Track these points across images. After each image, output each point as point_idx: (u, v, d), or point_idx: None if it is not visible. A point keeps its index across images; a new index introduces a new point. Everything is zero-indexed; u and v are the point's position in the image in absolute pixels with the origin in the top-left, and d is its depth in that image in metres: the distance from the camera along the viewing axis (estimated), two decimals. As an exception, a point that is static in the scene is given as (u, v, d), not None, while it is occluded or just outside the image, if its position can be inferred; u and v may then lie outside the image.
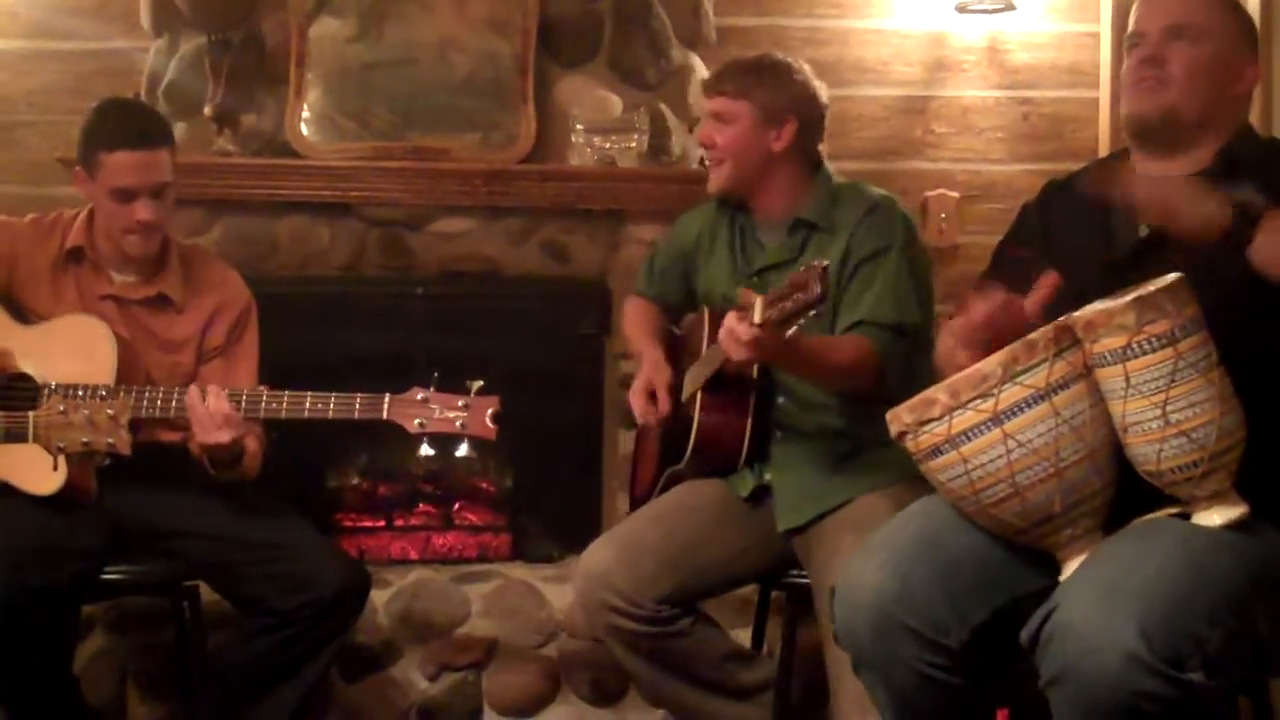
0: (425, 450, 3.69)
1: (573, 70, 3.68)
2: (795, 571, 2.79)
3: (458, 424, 2.66)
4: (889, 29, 3.93)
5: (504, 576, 3.53)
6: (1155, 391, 1.88)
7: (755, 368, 2.72)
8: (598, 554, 2.75)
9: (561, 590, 3.37)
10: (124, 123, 2.84)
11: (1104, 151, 3.78)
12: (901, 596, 2.05)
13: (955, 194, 3.93)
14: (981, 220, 3.84)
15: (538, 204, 3.58)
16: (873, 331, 2.66)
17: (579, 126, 3.58)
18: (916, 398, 2.02)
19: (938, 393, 1.99)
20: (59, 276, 2.89)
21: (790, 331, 2.34)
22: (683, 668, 2.74)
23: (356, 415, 2.68)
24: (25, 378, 2.73)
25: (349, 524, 3.77)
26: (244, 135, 3.55)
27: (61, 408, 2.51)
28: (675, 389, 2.88)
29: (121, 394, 2.65)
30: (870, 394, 2.64)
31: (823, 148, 2.89)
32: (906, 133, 3.96)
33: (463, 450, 3.49)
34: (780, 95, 2.79)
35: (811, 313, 2.25)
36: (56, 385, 2.70)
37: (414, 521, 3.81)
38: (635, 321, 3.06)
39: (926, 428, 2.00)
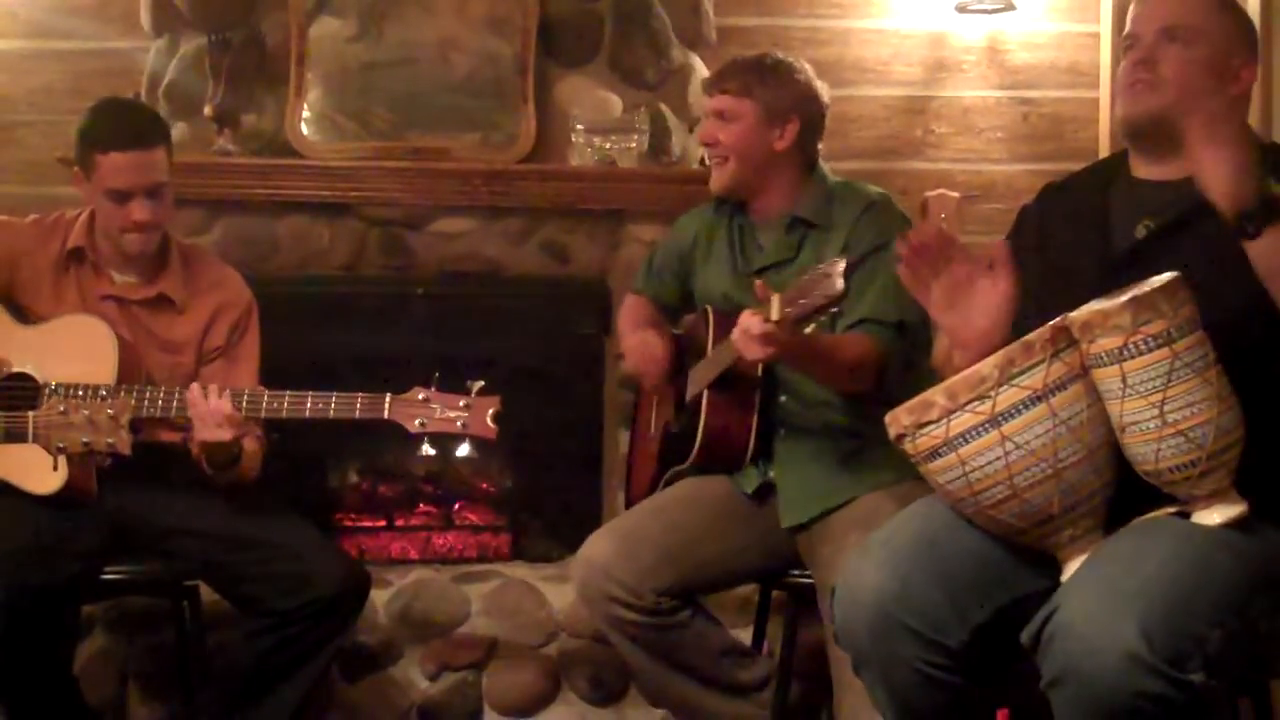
0: (426, 450, 3.70)
1: (573, 70, 3.68)
2: (796, 571, 2.79)
3: (459, 424, 2.66)
4: (889, 29, 3.94)
5: (504, 576, 3.53)
6: (1152, 391, 1.88)
7: (761, 366, 2.73)
8: (598, 544, 2.76)
9: (562, 590, 3.38)
10: (117, 123, 2.83)
11: (1104, 152, 3.78)
12: (901, 596, 2.04)
13: (955, 194, 3.93)
14: (982, 220, 3.84)
15: (538, 204, 3.58)
16: (875, 329, 2.67)
17: (579, 126, 3.58)
18: (914, 400, 2.02)
19: (935, 395, 1.99)
20: (61, 277, 2.89)
21: (809, 329, 2.34)
22: (681, 661, 2.74)
23: (357, 415, 2.68)
24: (26, 377, 2.73)
25: (349, 524, 3.78)
26: (244, 135, 3.55)
27: (62, 408, 2.51)
28: (676, 395, 2.89)
29: (122, 394, 2.65)
30: (871, 392, 2.65)
31: (820, 147, 2.89)
32: (907, 133, 3.96)
33: (464, 450, 3.49)
34: (783, 94, 2.80)
35: (834, 309, 2.25)
36: (57, 385, 2.70)
37: (414, 521, 3.82)
38: (628, 318, 3.09)
39: (924, 430, 2.00)
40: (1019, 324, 2.09)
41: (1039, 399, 1.94)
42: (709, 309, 2.87)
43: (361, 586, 2.85)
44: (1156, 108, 2.14)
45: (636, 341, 2.94)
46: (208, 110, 3.47)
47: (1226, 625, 1.86)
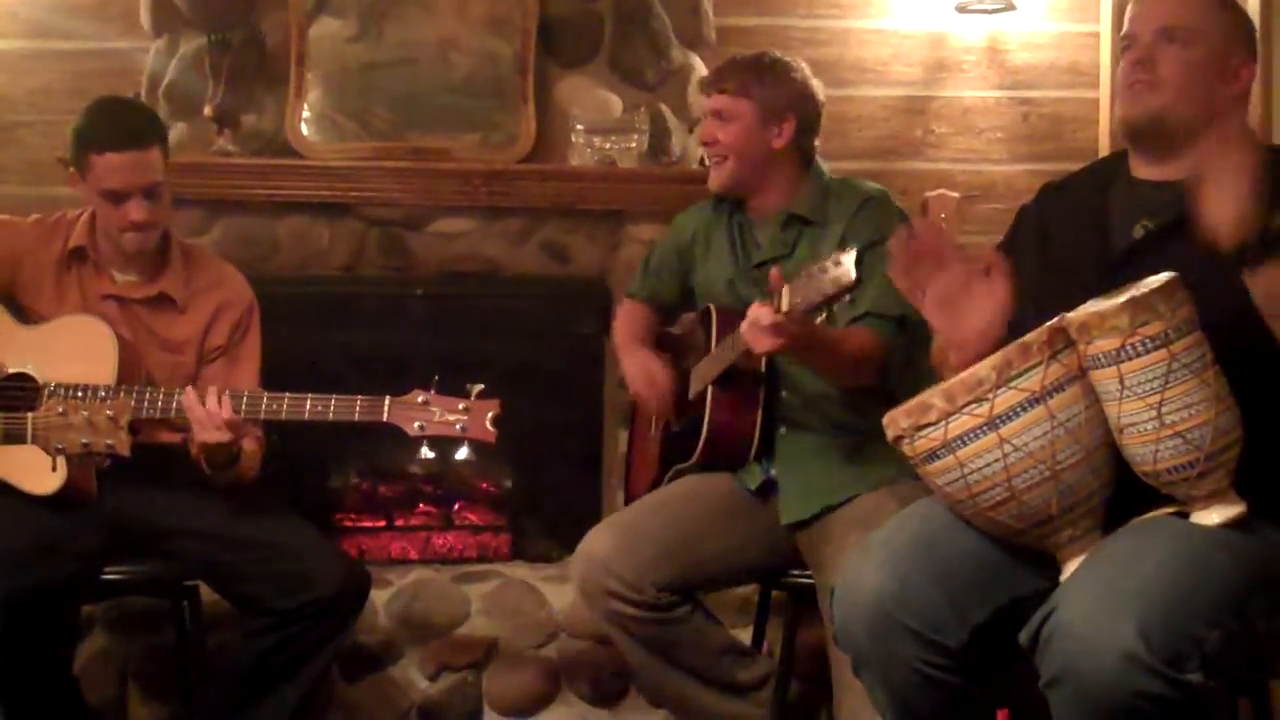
0: (425, 454, 3.70)
1: (573, 70, 3.68)
2: (796, 571, 2.79)
3: (458, 427, 2.66)
4: (889, 29, 3.94)
5: (504, 576, 3.53)
6: (1150, 393, 1.88)
7: (764, 362, 2.73)
8: (598, 539, 2.76)
9: (562, 590, 3.38)
10: (111, 124, 2.82)
11: (1104, 152, 3.78)
12: (900, 597, 2.05)
13: (955, 194, 3.93)
14: (982, 220, 3.84)
15: (538, 204, 3.58)
16: (877, 323, 2.68)
17: (579, 127, 3.58)
18: (912, 402, 2.02)
19: (933, 397, 1.99)
20: (62, 276, 2.89)
21: (820, 319, 2.35)
22: (679, 658, 2.74)
23: (357, 417, 2.68)
24: (26, 378, 2.74)
25: (349, 524, 3.78)
26: (244, 135, 3.55)
27: (61, 409, 2.51)
28: (676, 395, 2.89)
29: (121, 395, 2.66)
30: (872, 387, 2.66)
31: (816, 145, 2.90)
32: (906, 133, 3.96)
33: (463, 453, 3.50)
34: (780, 93, 2.81)
35: (847, 298, 2.25)
36: (56, 386, 2.70)
37: (414, 521, 3.82)
38: (624, 329, 3.10)
39: (922, 432, 2.00)
40: (1017, 324, 2.09)
41: (1037, 401, 1.94)
42: (711, 307, 2.87)
43: (361, 586, 2.85)
44: (1155, 108, 2.14)
45: (639, 370, 2.94)
46: (208, 110, 3.47)
47: (1225, 625, 1.86)
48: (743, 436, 2.77)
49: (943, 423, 1.98)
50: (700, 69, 3.68)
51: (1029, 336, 1.97)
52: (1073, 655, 1.84)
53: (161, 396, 2.71)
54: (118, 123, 2.83)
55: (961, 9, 3.86)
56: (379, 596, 3.34)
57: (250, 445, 2.82)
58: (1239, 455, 1.93)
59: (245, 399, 2.70)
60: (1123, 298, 1.90)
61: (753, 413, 2.76)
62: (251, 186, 3.51)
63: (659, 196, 3.56)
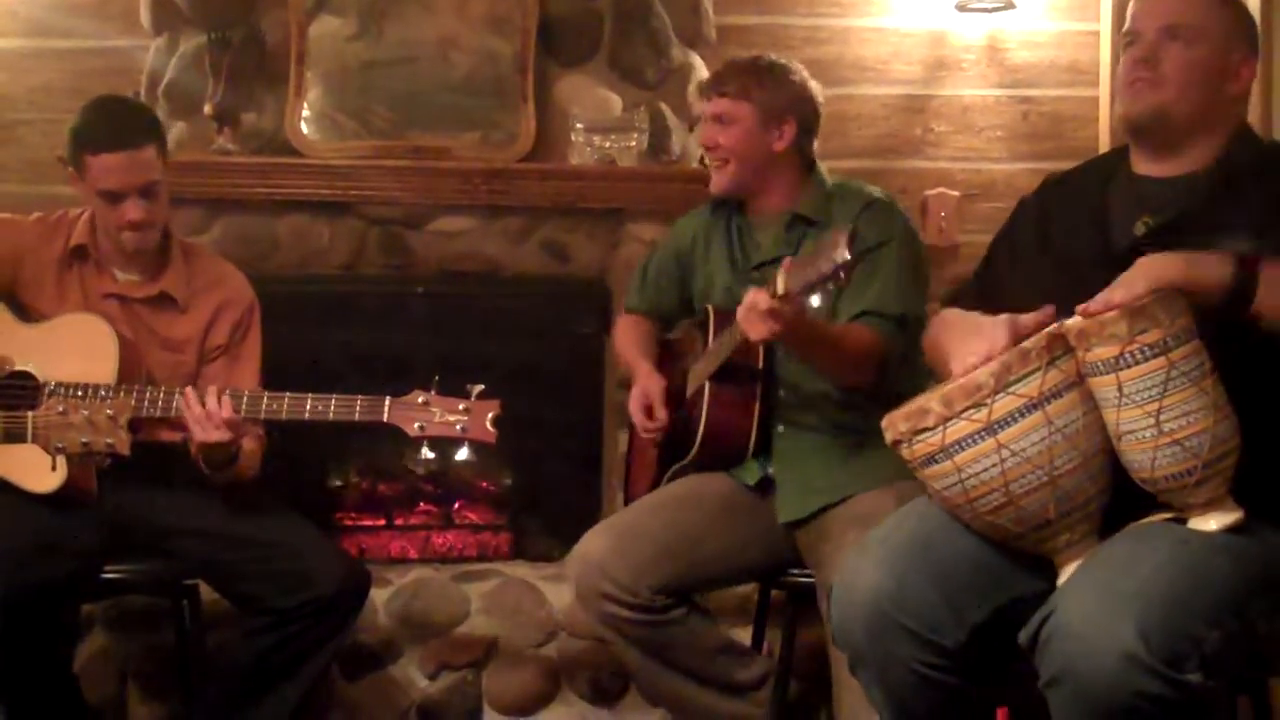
0: (425, 454, 3.70)
1: (572, 69, 3.68)
2: (796, 570, 2.79)
3: (458, 428, 2.66)
4: (889, 28, 3.93)
5: (504, 575, 3.53)
6: (1148, 400, 1.88)
7: (761, 357, 2.73)
8: (594, 541, 2.76)
9: (561, 589, 3.38)
10: (105, 124, 2.82)
11: (1104, 150, 3.77)
12: (897, 596, 2.05)
13: (955, 193, 3.93)
14: (981, 219, 3.84)
15: (538, 203, 3.58)
16: (878, 322, 2.69)
17: (579, 125, 3.58)
18: (910, 406, 2.02)
19: (931, 402, 1.99)
20: (64, 275, 2.89)
21: (815, 301, 2.34)
22: (675, 659, 2.74)
23: (357, 418, 2.68)
24: (26, 376, 2.74)
25: (349, 523, 3.78)
26: (244, 134, 3.55)
27: (61, 408, 2.51)
28: (673, 395, 2.89)
29: (121, 394, 2.66)
30: (870, 385, 2.66)
31: (815, 146, 2.90)
32: (906, 131, 3.96)
33: (463, 454, 3.48)
34: (780, 96, 2.82)
35: (842, 275, 2.25)
36: (56, 385, 2.70)
37: (414, 520, 3.82)
38: (626, 341, 3.10)
39: (921, 437, 2.00)
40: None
41: (1035, 406, 1.94)
42: (709, 308, 2.88)
43: (361, 585, 2.85)
44: (1157, 105, 2.14)
45: (640, 398, 2.91)
46: (207, 109, 3.47)
47: (1224, 626, 1.86)
48: (740, 433, 2.78)
49: (940, 428, 1.97)
50: (700, 67, 3.68)
51: (1027, 342, 1.97)
52: (1072, 655, 1.85)
53: (161, 395, 2.71)
54: (112, 123, 2.83)
55: (961, 7, 3.86)
56: (379, 595, 3.35)
57: (250, 444, 2.82)
58: (1236, 463, 1.93)
59: (245, 399, 2.70)
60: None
61: (750, 409, 2.77)
62: (251, 185, 3.51)
63: (659, 195, 3.56)
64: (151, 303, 2.91)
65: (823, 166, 2.90)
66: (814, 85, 2.87)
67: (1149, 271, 1.91)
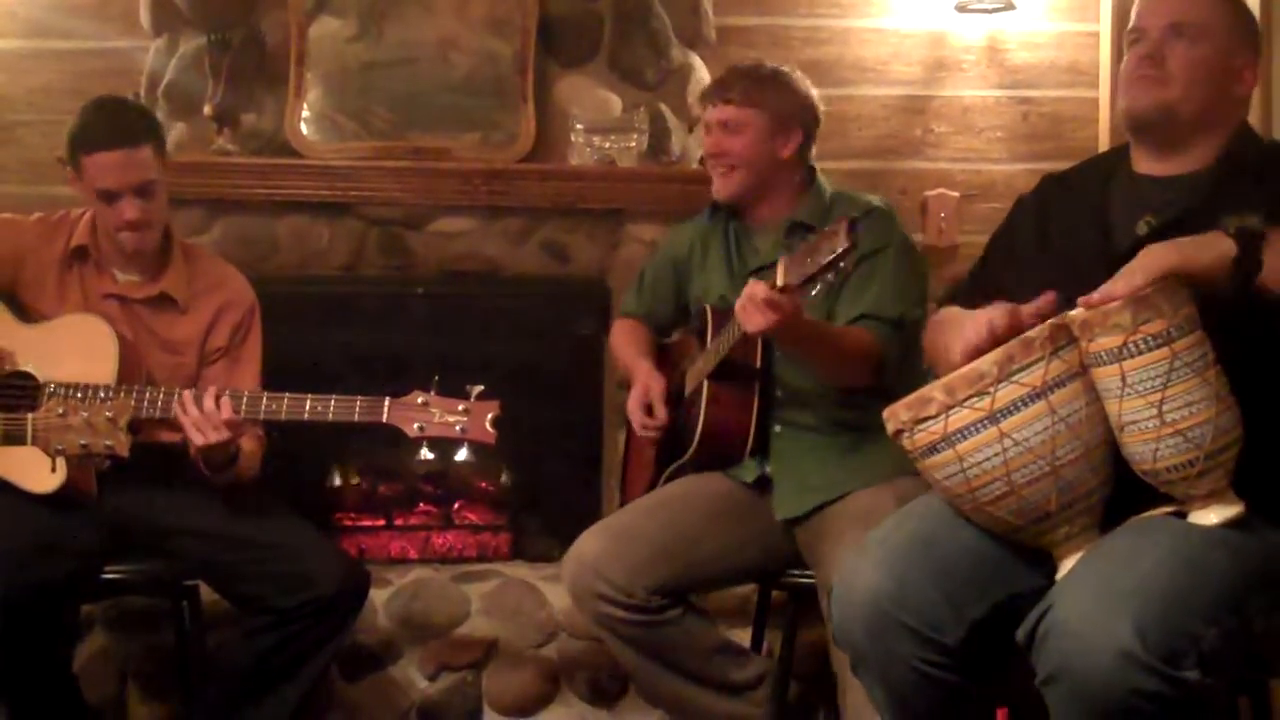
0: (425, 455, 3.70)
1: (572, 70, 3.68)
2: (795, 571, 2.79)
3: (457, 428, 2.65)
4: (889, 28, 3.94)
5: (504, 576, 3.53)
6: (1151, 391, 1.88)
7: (760, 356, 2.74)
8: (590, 542, 2.76)
9: (561, 590, 3.35)
10: (101, 123, 2.82)
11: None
12: (897, 595, 2.05)
13: (955, 193, 3.93)
14: (981, 220, 3.84)
15: (537, 204, 3.58)
16: (875, 325, 2.70)
17: (579, 126, 3.58)
18: (913, 395, 2.02)
19: (934, 390, 1.99)
20: (64, 275, 2.89)
21: (814, 292, 2.35)
22: (672, 659, 2.74)
23: (356, 418, 2.68)
24: (26, 376, 2.74)
25: (349, 523, 3.77)
26: (244, 135, 3.56)
27: (60, 410, 2.51)
28: (671, 396, 2.90)
29: (121, 395, 2.66)
30: (867, 388, 2.66)
31: (814, 151, 2.92)
32: (906, 132, 3.96)
33: (462, 455, 3.49)
34: (787, 103, 2.84)
35: (841, 265, 2.25)
36: (56, 386, 2.70)
37: (414, 521, 3.81)
38: (624, 342, 3.11)
39: (922, 425, 2.00)
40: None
41: (1038, 396, 1.94)
42: (707, 307, 2.88)
43: (361, 586, 2.85)
44: (1161, 101, 2.14)
45: (639, 398, 2.91)
46: (207, 110, 3.47)
47: (1222, 623, 1.86)
48: (738, 432, 2.78)
49: (943, 416, 1.98)
50: (700, 68, 3.69)
51: (1031, 332, 1.97)
52: (1069, 653, 1.84)
53: (161, 396, 2.71)
54: (108, 122, 2.83)
55: (961, 8, 3.86)
56: (378, 596, 3.34)
57: (250, 445, 2.82)
58: (1238, 455, 1.93)
59: (245, 399, 2.70)
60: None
61: (748, 408, 2.77)
62: (251, 186, 3.51)
63: (659, 196, 3.57)
64: (152, 303, 2.91)
65: (822, 175, 2.91)
66: (815, 92, 2.89)
67: (1148, 263, 1.91)
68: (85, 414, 2.50)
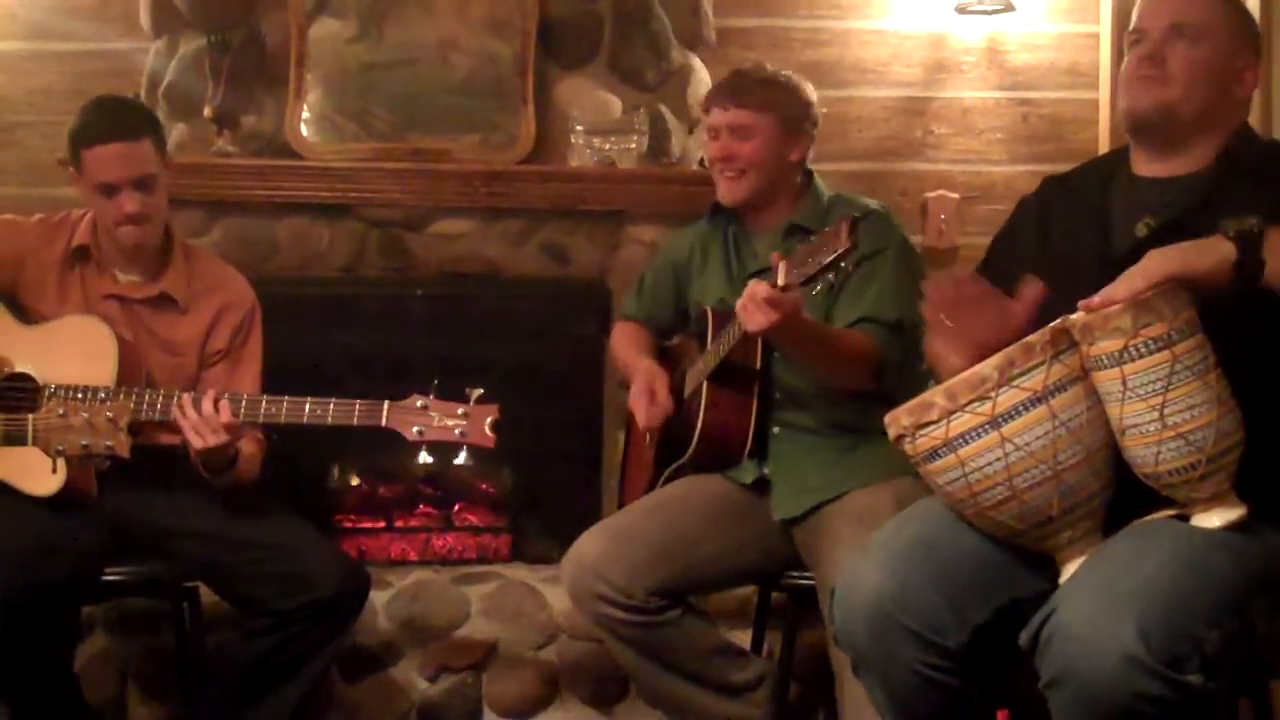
0: (424, 458, 3.70)
1: (572, 71, 3.68)
2: (795, 573, 2.79)
3: (457, 432, 2.65)
4: (889, 30, 3.94)
5: (504, 578, 3.53)
6: (1152, 394, 1.88)
7: (759, 358, 2.74)
8: (589, 543, 2.77)
9: (561, 592, 3.35)
10: (102, 118, 2.83)
11: (1104, 152, 3.77)
12: (899, 598, 2.05)
13: (955, 195, 3.93)
14: (981, 221, 3.85)
15: (537, 205, 3.58)
16: (874, 328, 2.70)
17: (579, 127, 3.58)
18: (914, 400, 2.02)
19: (935, 395, 1.99)
20: (65, 275, 2.89)
21: (815, 291, 2.35)
22: (671, 659, 2.75)
23: (355, 422, 2.68)
24: (26, 378, 2.74)
25: (349, 525, 3.77)
26: (244, 136, 3.56)
27: (61, 410, 2.51)
28: (672, 396, 2.90)
29: (121, 396, 2.66)
30: (867, 391, 2.67)
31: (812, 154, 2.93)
32: (906, 134, 3.96)
33: (461, 458, 3.49)
34: (796, 107, 2.85)
35: (842, 264, 2.26)
36: (56, 387, 2.70)
37: (414, 522, 3.81)
38: (625, 345, 3.11)
39: (924, 431, 2.00)
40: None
41: (1039, 400, 1.94)
42: (707, 309, 2.89)
43: (361, 587, 2.85)
44: (1162, 101, 2.15)
45: (643, 386, 2.91)
46: (207, 111, 3.47)
47: (1225, 626, 1.86)
48: (737, 433, 2.78)
49: (944, 421, 1.98)
50: (700, 70, 3.69)
51: (1032, 336, 1.97)
52: (1072, 656, 1.84)
53: (160, 398, 2.71)
54: (108, 116, 2.84)
55: (961, 10, 3.87)
56: (379, 598, 3.34)
57: (250, 447, 2.82)
58: (1240, 458, 1.93)
59: (244, 403, 2.70)
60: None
61: (747, 409, 2.77)
62: (251, 187, 3.51)
63: (659, 197, 3.57)
64: (152, 303, 2.91)
65: (819, 178, 2.92)
66: (815, 95, 2.91)
67: (1149, 267, 1.91)
68: (86, 415, 2.50)
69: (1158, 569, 1.87)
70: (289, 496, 3.02)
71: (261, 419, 2.72)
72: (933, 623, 2.03)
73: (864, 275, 2.70)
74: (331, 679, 3.23)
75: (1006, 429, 1.94)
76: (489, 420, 2.64)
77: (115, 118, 2.84)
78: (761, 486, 2.82)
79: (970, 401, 1.96)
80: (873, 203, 2.87)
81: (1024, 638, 1.95)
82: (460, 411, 2.65)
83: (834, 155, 3.62)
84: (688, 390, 2.89)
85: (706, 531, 2.77)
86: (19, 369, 2.74)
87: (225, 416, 2.65)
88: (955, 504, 2.05)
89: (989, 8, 3.85)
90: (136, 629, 3.27)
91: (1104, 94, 3.93)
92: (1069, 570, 1.98)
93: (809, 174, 2.91)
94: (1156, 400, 1.88)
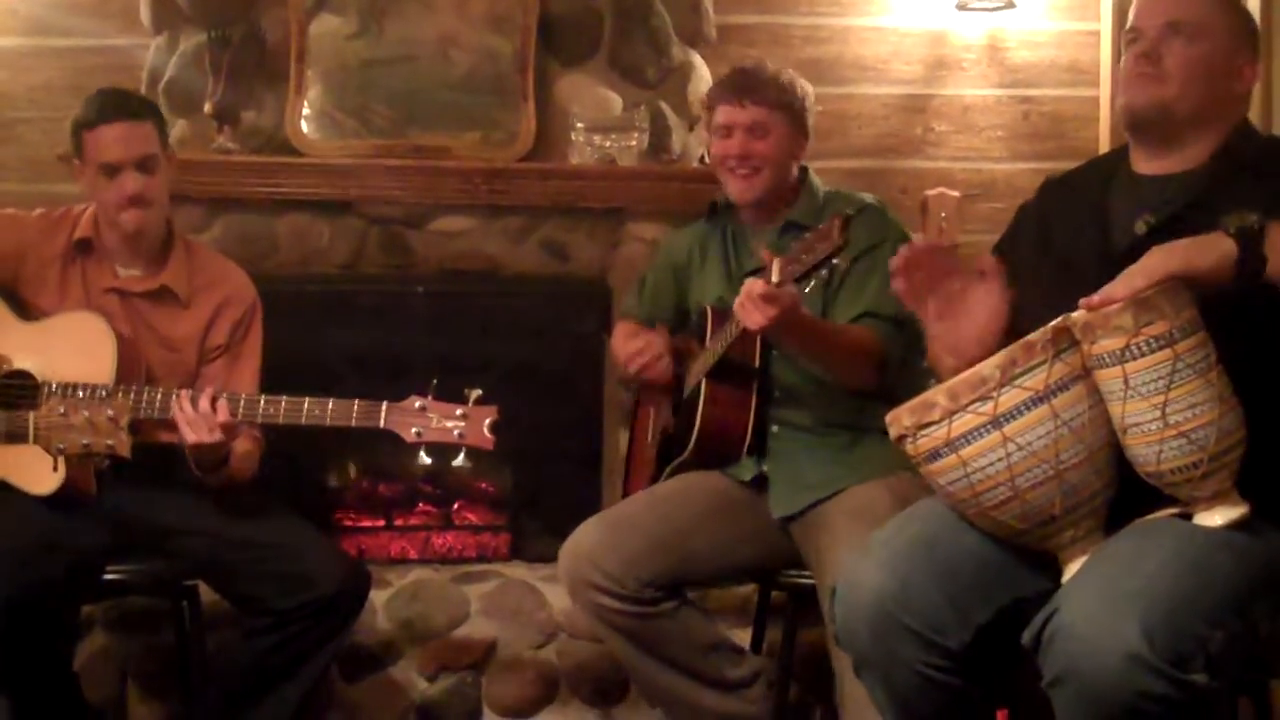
0: (423, 459, 3.68)
1: (573, 68, 3.68)
2: (794, 571, 2.79)
3: (455, 433, 2.65)
4: (889, 27, 3.93)
5: (503, 576, 3.53)
6: (1154, 393, 1.88)
7: (758, 356, 2.75)
8: (586, 533, 2.78)
9: (561, 591, 3.35)
10: (104, 101, 2.85)
11: (1104, 150, 3.77)
12: (901, 597, 2.05)
13: (955, 193, 3.92)
14: (982, 219, 3.84)
15: (538, 202, 3.58)
16: (876, 323, 2.71)
17: (579, 125, 3.58)
18: (916, 401, 2.02)
19: (937, 396, 1.99)
20: (66, 270, 2.89)
21: (808, 289, 2.35)
22: (665, 652, 2.75)
23: (353, 423, 2.68)
24: (24, 375, 2.73)
25: (349, 523, 3.77)
26: (244, 132, 3.55)
27: (62, 409, 2.51)
28: (672, 396, 2.90)
29: (121, 395, 2.65)
30: (869, 386, 2.67)
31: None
32: (906, 131, 3.96)
33: (460, 460, 3.46)
34: (800, 104, 2.86)
35: (834, 261, 2.27)
36: (56, 385, 2.69)
37: (413, 521, 3.81)
38: (623, 338, 3.09)
39: (925, 431, 2.00)
40: (1021, 322, 2.09)
41: (1041, 400, 1.94)
42: (707, 307, 2.89)
43: (361, 586, 2.85)
44: (1159, 99, 2.15)
45: (640, 343, 2.94)
46: (207, 107, 3.47)
47: (1228, 626, 1.86)
48: (736, 431, 2.78)
49: (946, 421, 1.98)
50: (701, 67, 3.68)
51: (1033, 335, 1.97)
52: (1076, 655, 1.84)
53: (160, 396, 2.71)
54: (110, 100, 2.86)
55: (961, 7, 3.86)
56: (378, 596, 3.34)
57: (247, 445, 2.82)
58: (1242, 456, 1.93)
59: (242, 402, 2.69)
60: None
61: (746, 407, 2.78)
62: (251, 184, 3.51)
63: (659, 194, 3.56)
64: (152, 297, 2.91)
65: (815, 175, 2.92)
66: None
67: (1150, 265, 1.91)
68: (87, 413, 2.50)
69: (1160, 568, 1.87)
70: (289, 495, 3.02)
71: (259, 419, 2.71)
72: (934, 622, 2.03)
73: (863, 270, 2.72)
74: (331, 678, 3.23)
75: (1008, 429, 1.94)
76: (487, 422, 2.64)
77: (118, 101, 2.86)
78: (760, 484, 2.82)
79: (972, 401, 1.96)
80: (868, 197, 2.88)
81: (1027, 637, 1.95)
82: (459, 413, 2.65)
83: (834, 152, 3.62)
84: (687, 388, 2.89)
85: (703, 525, 2.78)
86: (17, 365, 2.73)
87: (223, 415, 2.65)
88: (957, 504, 2.05)
89: (990, 5, 3.84)
90: (136, 628, 3.27)
91: (1105, 91, 3.93)
92: (1071, 569, 1.98)
93: (804, 170, 2.92)
94: (1158, 399, 1.88)
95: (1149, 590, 1.85)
